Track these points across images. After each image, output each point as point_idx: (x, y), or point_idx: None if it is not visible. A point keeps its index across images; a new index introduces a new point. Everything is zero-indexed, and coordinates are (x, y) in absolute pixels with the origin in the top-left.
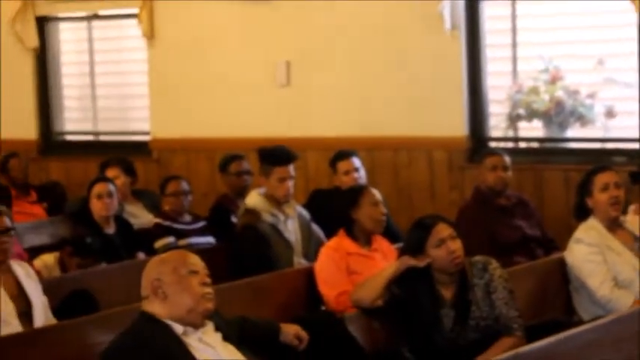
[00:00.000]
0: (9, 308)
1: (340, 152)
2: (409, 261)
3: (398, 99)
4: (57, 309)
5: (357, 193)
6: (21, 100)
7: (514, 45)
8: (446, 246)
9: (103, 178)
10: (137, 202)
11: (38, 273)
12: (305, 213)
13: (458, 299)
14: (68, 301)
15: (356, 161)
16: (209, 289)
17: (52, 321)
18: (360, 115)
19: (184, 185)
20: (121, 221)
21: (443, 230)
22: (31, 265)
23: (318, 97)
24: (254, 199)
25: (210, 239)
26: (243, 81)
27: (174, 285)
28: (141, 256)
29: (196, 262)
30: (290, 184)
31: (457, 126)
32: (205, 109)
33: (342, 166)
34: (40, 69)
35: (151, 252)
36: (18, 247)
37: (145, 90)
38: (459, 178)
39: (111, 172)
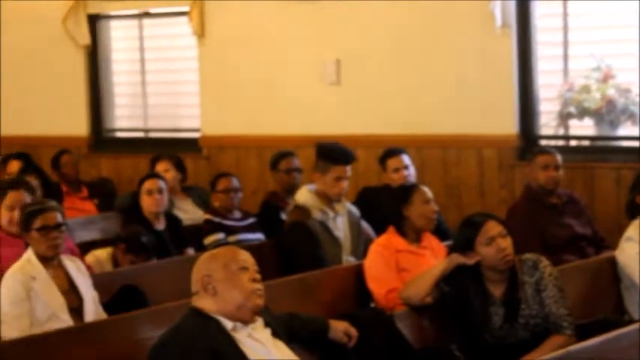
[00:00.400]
0: (60, 303)
1: (390, 150)
2: (459, 258)
3: (448, 97)
4: (107, 304)
5: (409, 190)
6: (72, 97)
7: (565, 43)
8: (496, 244)
9: (153, 175)
10: (187, 198)
11: (89, 268)
12: (355, 210)
13: (507, 297)
14: (118, 297)
15: (406, 159)
16: (259, 286)
17: (103, 316)
18: (409, 112)
19: (235, 182)
20: (170, 217)
21: (493, 228)
22: (83, 260)
23: (367, 95)
24: (304, 195)
25: (259, 236)
26: (292, 79)
27: (224, 281)
28: (190, 252)
29: (246, 258)
30: (345, 183)
31: (507, 124)
32: (255, 106)
33: (391, 163)
34: (92, 66)
35: (200, 248)
36: (70, 242)
37: (195, 87)
38: (509, 177)
39: (162, 166)
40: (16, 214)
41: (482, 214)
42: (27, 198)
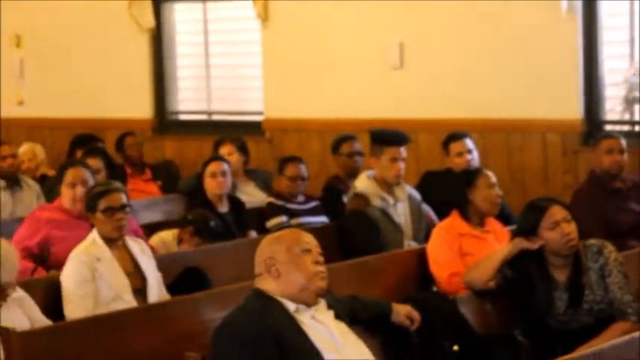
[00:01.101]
0: (124, 284)
1: (453, 134)
2: (522, 243)
3: (512, 81)
4: (170, 285)
5: (473, 174)
6: (137, 80)
7: (631, 27)
8: (560, 228)
9: (217, 157)
10: (250, 181)
11: (154, 249)
12: (416, 194)
13: (572, 282)
14: (182, 278)
15: (469, 143)
16: (322, 268)
17: (166, 297)
18: (473, 97)
19: (303, 170)
20: (233, 200)
21: (557, 212)
22: (146, 241)
23: (430, 79)
24: (363, 182)
25: (321, 219)
26: (356, 62)
27: (287, 263)
28: (253, 234)
29: (310, 240)
30: (401, 165)
31: (572, 109)
32: (318, 90)
33: (455, 147)
34: (156, 49)
35: (263, 231)
36: (134, 223)
37: (258, 70)
38: (573, 162)
39: (225, 149)
40: (79, 190)
41: (546, 199)
42: (86, 174)
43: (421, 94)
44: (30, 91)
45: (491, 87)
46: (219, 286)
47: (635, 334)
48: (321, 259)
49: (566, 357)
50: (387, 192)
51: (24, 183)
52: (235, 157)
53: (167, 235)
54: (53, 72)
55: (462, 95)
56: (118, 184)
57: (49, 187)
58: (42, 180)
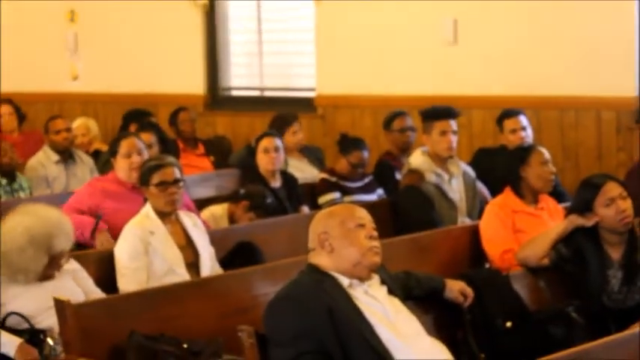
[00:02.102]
0: (177, 258)
1: (507, 110)
2: (577, 220)
3: (566, 57)
4: (223, 260)
5: (526, 151)
6: (190, 55)
7: None
8: (615, 205)
9: (270, 133)
10: (302, 157)
11: (205, 224)
12: (470, 171)
13: (626, 260)
14: (234, 252)
15: (523, 120)
16: (376, 243)
17: (219, 271)
18: (527, 73)
19: (365, 157)
20: (286, 175)
21: (613, 189)
22: (199, 216)
23: (484, 56)
24: (418, 158)
25: (374, 197)
26: (409, 39)
27: (341, 238)
28: (305, 210)
29: (364, 215)
30: (452, 138)
31: (627, 86)
32: (371, 66)
33: (509, 124)
34: (209, 25)
35: (315, 206)
36: (187, 198)
37: (311, 47)
38: (627, 139)
39: (294, 127)
40: (134, 159)
41: (601, 175)
42: (140, 144)
43: (475, 71)
44: (84, 66)
45: (546, 64)
46: (271, 260)
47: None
48: (375, 234)
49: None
50: (442, 168)
51: (77, 157)
52: (299, 136)
53: (217, 210)
54: (107, 47)
55: (515, 72)
56: (171, 159)
57: (103, 162)
58: (95, 155)
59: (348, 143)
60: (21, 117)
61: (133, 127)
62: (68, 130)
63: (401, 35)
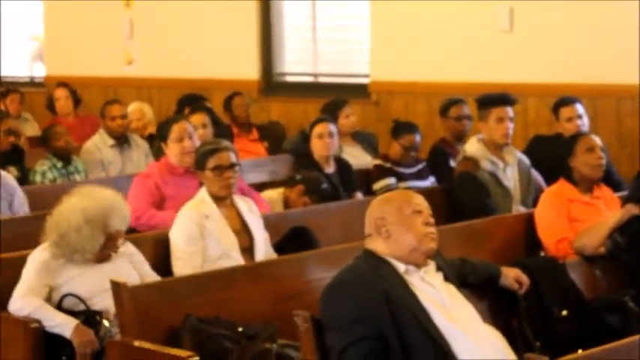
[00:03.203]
0: (232, 242)
1: (564, 98)
2: (634, 209)
3: (623, 45)
4: (277, 245)
5: (573, 140)
6: (244, 40)
7: None
8: None
9: (324, 119)
10: (356, 143)
11: (262, 203)
12: (525, 159)
13: None
14: (288, 238)
15: (579, 108)
16: (432, 229)
17: (273, 256)
18: (583, 61)
19: (418, 140)
20: (340, 161)
21: None
22: (257, 198)
23: (540, 43)
24: (473, 146)
25: (427, 183)
26: (465, 25)
27: (397, 224)
28: (359, 195)
29: (420, 202)
30: (509, 124)
31: None
32: (426, 52)
33: (564, 112)
34: (264, 11)
35: (369, 192)
36: (242, 182)
37: (365, 33)
38: None
39: (347, 111)
40: (186, 143)
41: None
42: (191, 128)
43: (530, 58)
44: (139, 51)
45: (602, 51)
46: (324, 246)
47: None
48: (432, 220)
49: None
50: (497, 156)
51: (133, 141)
52: (351, 120)
53: (273, 194)
54: (162, 32)
55: (571, 59)
56: (227, 143)
57: (158, 146)
58: (150, 139)
59: (400, 127)
60: (76, 101)
61: (187, 112)
62: (124, 117)
63: (456, 22)
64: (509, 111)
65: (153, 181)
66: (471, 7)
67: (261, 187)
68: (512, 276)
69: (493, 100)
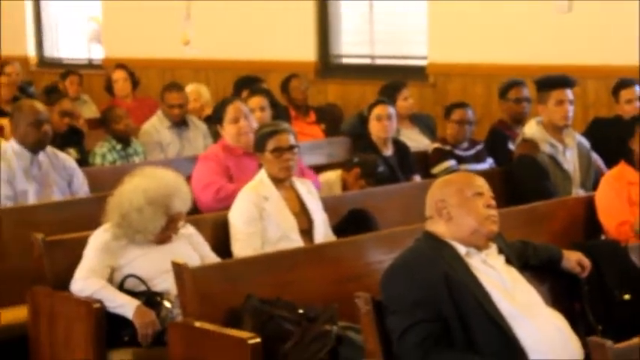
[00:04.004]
0: (291, 224)
1: (624, 80)
2: None
3: None
4: (336, 227)
5: (632, 123)
6: (301, 22)
7: None
8: None
9: (383, 100)
10: (413, 126)
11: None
12: (585, 142)
13: None
14: (347, 220)
15: (639, 90)
16: (494, 212)
17: (332, 238)
18: None
19: (470, 114)
20: (398, 143)
21: None
22: (316, 179)
23: (600, 24)
24: (532, 128)
25: (485, 165)
26: (523, 7)
27: (458, 206)
28: (417, 178)
29: (482, 184)
30: (569, 107)
31: None
32: (484, 34)
33: (625, 94)
34: None
35: (427, 175)
36: (302, 164)
37: (423, 14)
38: None
39: (405, 93)
40: (242, 123)
41: None
42: (246, 108)
43: (589, 40)
44: (196, 33)
45: None
46: (383, 228)
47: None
48: (493, 202)
49: None
50: (556, 138)
51: (191, 123)
52: (409, 102)
53: (331, 176)
54: (219, 14)
55: (631, 41)
56: (286, 125)
57: (215, 128)
58: (207, 120)
59: (451, 105)
60: (134, 82)
61: (244, 94)
62: (181, 105)
63: (515, 3)
64: (569, 93)
65: (217, 160)
66: None
67: (318, 169)
68: (574, 259)
69: (553, 82)
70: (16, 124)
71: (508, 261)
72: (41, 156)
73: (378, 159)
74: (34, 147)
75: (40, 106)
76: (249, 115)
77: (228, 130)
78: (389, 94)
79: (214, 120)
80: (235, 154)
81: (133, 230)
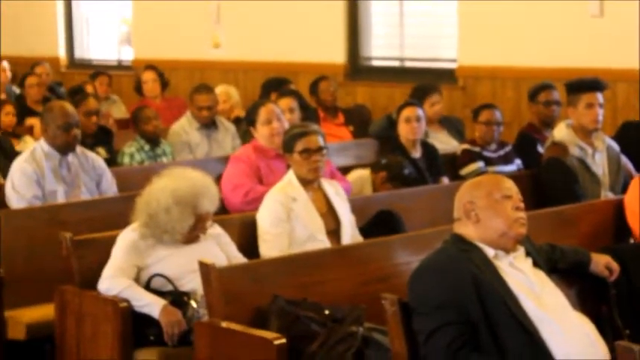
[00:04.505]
0: (318, 225)
1: None
2: None
3: None
4: (363, 228)
5: None
6: (331, 24)
7: None
8: None
9: (412, 102)
10: (442, 129)
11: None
12: (614, 145)
13: None
14: (374, 221)
15: None
16: (522, 214)
17: (359, 239)
18: None
19: (497, 115)
20: (426, 145)
21: None
22: (344, 180)
23: (630, 28)
24: (562, 131)
25: (513, 167)
26: (554, 10)
27: (487, 208)
28: (445, 180)
29: (510, 186)
30: (599, 110)
31: None
32: (514, 37)
33: None
34: None
35: (455, 177)
36: (331, 165)
37: (453, 17)
38: None
39: (434, 98)
40: (275, 125)
41: None
42: (278, 110)
43: (620, 43)
44: (226, 35)
45: None
46: (410, 230)
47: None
48: (522, 205)
49: None
50: (586, 142)
51: (220, 124)
52: (435, 109)
53: (364, 173)
54: (249, 16)
55: None
56: (315, 126)
57: (244, 130)
58: (236, 122)
59: (478, 108)
60: (164, 84)
61: (273, 96)
62: (210, 108)
63: (546, 6)
64: (599, 97)
65: (248, 162)
66: None
67: (345, 170)
68: (602, 263)
69: (583, 85)
70: (46, 126)
71: (536, 264)
72: (70, 157)
73: (405, 161)
74: (63, 150)
75: (70, 108)
76: (282, 116)
77: (261, 132)
78: (418, 97)
79: (247, 122)
80: (267, 156)
81: (161, 230)
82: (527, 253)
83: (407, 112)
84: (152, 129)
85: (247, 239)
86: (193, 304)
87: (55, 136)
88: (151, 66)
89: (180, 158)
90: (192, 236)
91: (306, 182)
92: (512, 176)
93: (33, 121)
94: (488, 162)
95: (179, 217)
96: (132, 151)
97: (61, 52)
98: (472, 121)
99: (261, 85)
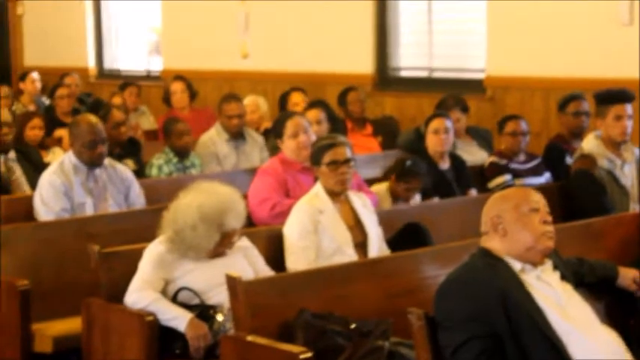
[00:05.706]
0: (345, 237)
1: None
2: None
3: None
4: (391, 241)
5: None
6: (359, 35)
7: None
8: None
9: (441, 114)
10: (471, 140)
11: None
12: None
13: None
14: (402, 234)
15: None
16: (550, 228)
17: (386, 252)
18: None
19: (523, 126)
20: (455, 157)
21: None
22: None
23: None
24: (590, 143)
25: (542, 179)
26: (582, 19)
27: (514, 222)
28: (473, 192)
29: (538, 199)
30: (627, 122)
31: None
32: (542, 47)
33: None
34: (379, 5)
35: (483, 190)
36: (358, 177)
37: (482, 27)
38: None
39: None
40: (302, 138)
41: None
42: (305, 122)
43: None
44: (254, 45)
45: None
46: (439, 243)
47: None
48: (549, 218)
49: None
50: (615, 153)
51: (248, 136)
52: (459, 124)
53: (381, 188)
54: (277, 26)
55: None
56: (342, 138)
57: (273, 142)
58: (265, 133)
59: (503, 119)
60: (192, 94)
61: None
62: (240, 116)
63: (574, 16)
64: (629, 108)
65: (275, 175)
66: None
67: (373, 182)
68: (630, 276)
69: (612, 96)
70: (73, 140)
71: (563, 277)
72: (98, 170)
73: (408, 156)
74: (89, 165)
75: (96, 124)
76: (309, 128)
77: (288, 145)
78: (443, 109)
79: (274, 135)
80: (294, 169)
81: (186, 246)
82: (555, 267)
83: (435, 124)
84: (183, 144)
85: (274, 252)
86: (219, 317)
87: (81, 153)
88: (179, 76)
89: (208, 170)
90: (217, 252)
91: (333, 194)
92: (540, 188)
93: (62, 133)
94: (517, 174)
95: (205, 234)
96: (160, 162)
97: (91, 63)
98: (498, 134)
99: (279, 97)
